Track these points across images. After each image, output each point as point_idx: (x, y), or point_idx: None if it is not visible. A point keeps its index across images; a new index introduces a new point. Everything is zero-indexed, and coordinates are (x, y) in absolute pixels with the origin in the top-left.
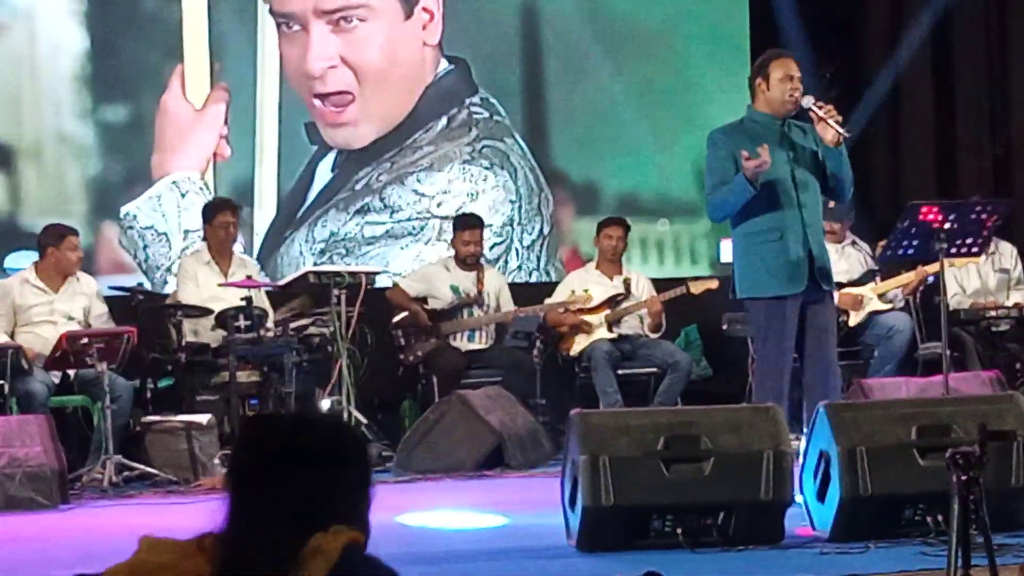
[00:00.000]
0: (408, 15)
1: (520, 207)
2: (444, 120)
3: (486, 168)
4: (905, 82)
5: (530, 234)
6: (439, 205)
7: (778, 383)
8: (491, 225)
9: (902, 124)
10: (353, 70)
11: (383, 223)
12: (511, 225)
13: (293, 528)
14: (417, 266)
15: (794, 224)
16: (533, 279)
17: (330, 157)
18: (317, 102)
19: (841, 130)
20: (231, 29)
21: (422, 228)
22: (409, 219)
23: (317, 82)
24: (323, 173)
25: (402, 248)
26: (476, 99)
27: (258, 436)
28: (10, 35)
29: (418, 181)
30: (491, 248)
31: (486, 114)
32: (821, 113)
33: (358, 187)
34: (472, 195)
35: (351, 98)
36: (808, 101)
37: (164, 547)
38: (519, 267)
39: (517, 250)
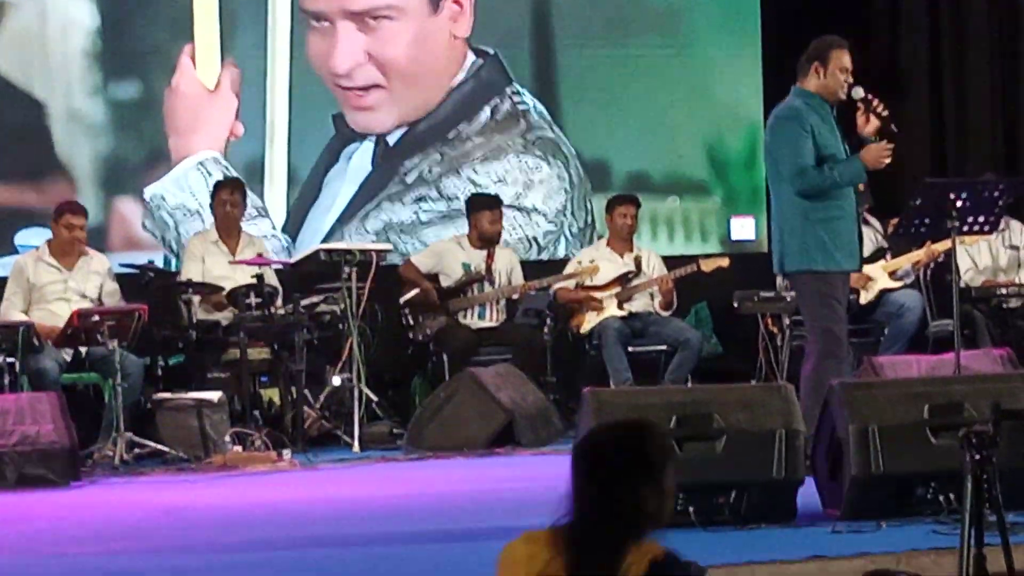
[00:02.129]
0: (435, 10)
1: (573, 197)
2: (487, 111)
3: (539, 158)
4: (904, 61)
5: (578, 222)
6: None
7: (839, 347)
8: (545, 213)
9: (901, 102)
10: (379, 67)
11: (439, 210)
12: (564, 214)
13: (624, 528)
14: None
15: (850, 204)
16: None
17: (367, 147)
18: (341, 93)
19: (892, 125)
20: (241, 5)
21: None
22: None
23: (343, 78)
24: (361, 163)
25: (457, 229)
26: (515, 88)
27: (605, 447)
28: (20, 13)
29: (474, 171)
30: (544, 236)
31: (530, 104)
32: (872, 106)
33: (409, 180)
34: (528, 184)
35: (377, 87)
36: (859, 93)
37: (531, 537)
38: (565, 254)
39: (566, 237)
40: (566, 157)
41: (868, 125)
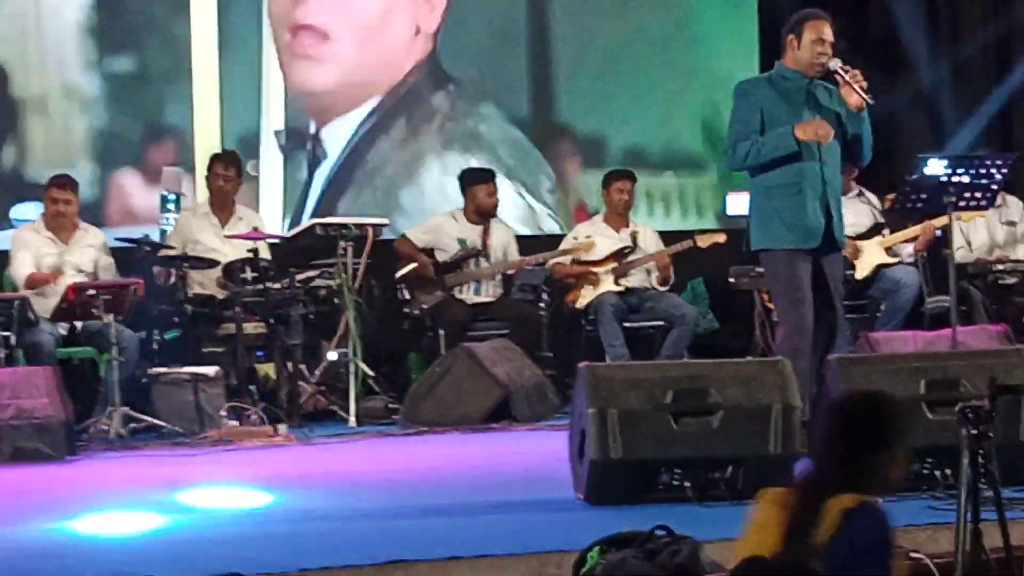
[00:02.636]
0: None
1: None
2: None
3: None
4: (901, 35)
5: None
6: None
7: (801, 335)
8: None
9: (899, 76)
10: (338, 8)
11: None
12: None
13: (854, 485)
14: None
15: (814, 180)
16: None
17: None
18: (288, 36)
19: (866, 96)
20: None
21: None
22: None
23: (299, 10)
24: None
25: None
26: (450, 89)
27: (856, 410)
28: None
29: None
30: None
31: (450, 102)
32: (847, 77)
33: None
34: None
35: (326, 36)
36: (835, 64)
37: (770, 495)
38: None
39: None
40: (492, 146)
41: (851, 97)
